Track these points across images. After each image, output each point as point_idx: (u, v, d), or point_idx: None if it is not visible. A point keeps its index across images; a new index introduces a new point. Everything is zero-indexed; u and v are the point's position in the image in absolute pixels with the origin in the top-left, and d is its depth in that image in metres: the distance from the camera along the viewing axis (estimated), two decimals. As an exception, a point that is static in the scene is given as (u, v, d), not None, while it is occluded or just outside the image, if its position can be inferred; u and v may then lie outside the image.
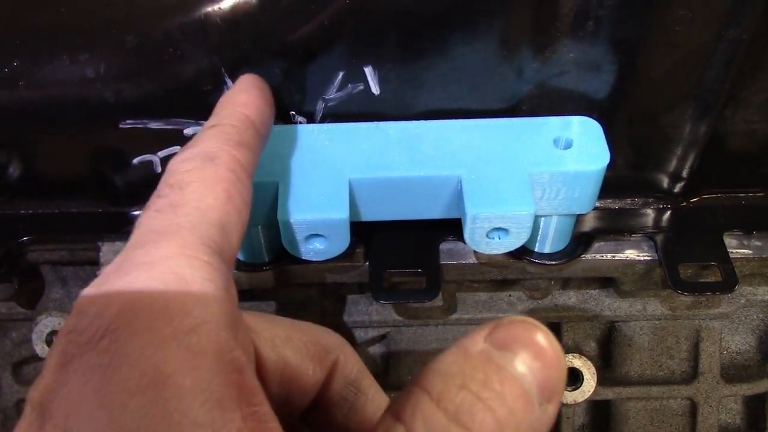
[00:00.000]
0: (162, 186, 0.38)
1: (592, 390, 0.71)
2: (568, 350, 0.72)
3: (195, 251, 0.34)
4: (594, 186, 0.53)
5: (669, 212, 0.61)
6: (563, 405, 0.73)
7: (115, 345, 0.29)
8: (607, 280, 0.69)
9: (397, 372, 0.74)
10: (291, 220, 0.49)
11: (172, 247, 0.33)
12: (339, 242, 0.51)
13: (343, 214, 0.49)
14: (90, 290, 0.32)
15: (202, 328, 0.30)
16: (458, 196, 0.51)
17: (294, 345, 0.40)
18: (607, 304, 0.71)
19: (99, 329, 0.30)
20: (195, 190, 0.37)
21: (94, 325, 0.30)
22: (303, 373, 0.40)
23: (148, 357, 0.29)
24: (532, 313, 0.71)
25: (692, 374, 0.74)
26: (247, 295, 0.67)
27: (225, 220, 0.36)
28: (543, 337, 0.31)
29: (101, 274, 0.33)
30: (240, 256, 0.58)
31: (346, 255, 0.58)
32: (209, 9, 0.50)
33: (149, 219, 0.35)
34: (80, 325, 0.30)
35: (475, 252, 0.59)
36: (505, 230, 0.51)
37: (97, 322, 0.30)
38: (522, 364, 0.31)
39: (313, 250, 0.51)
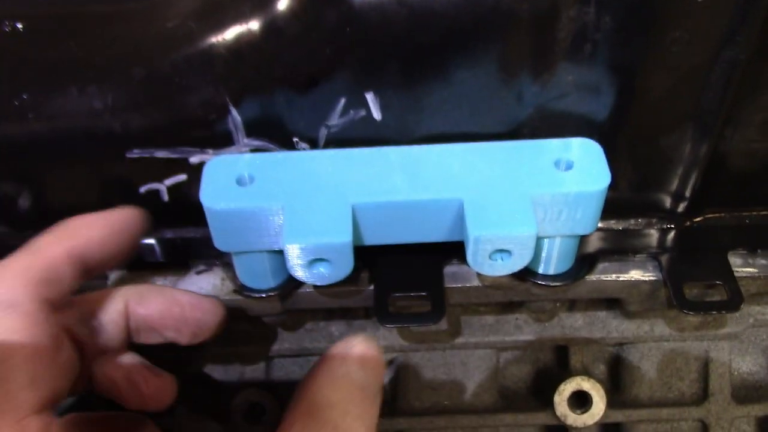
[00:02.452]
0: None
1: (601, 413, 0.71)
2: (576, 373, 0.72)
3: None
4: (596, 207, 0.53)
5: (673, 232, 0.61)
6: (572, 428, 0.72)
7: None
8: (613, 302, 0.69)
9: (406, 398, 0.74)
10: (295, 245, 0.49)
11: None
12: (343, 266, 0.51)
13: (346, 238, 0.49)
14: None
15: None
16: (460, 219, 0.52)
17: None
18: (615, 326, 0.71)
19: None
20: None
21: None
22: None
23: None
24: (538, 335, 0.71)
25: (702, 396, 0.73)
26: (257, 321, 0.67)
27: None
28: None
29: None
30: (246, 282, 0.59)
31: (351, 279, 0.59)
32: (214, 40, 0.51)
33: None
34: None
35: (479, 275, 0.60)
36: (507, 252, 0.51)
37: None
38: None
39: (318, 274, 0.52)
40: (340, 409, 0.41)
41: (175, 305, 0.52)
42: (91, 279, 0.50)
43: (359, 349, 0.45)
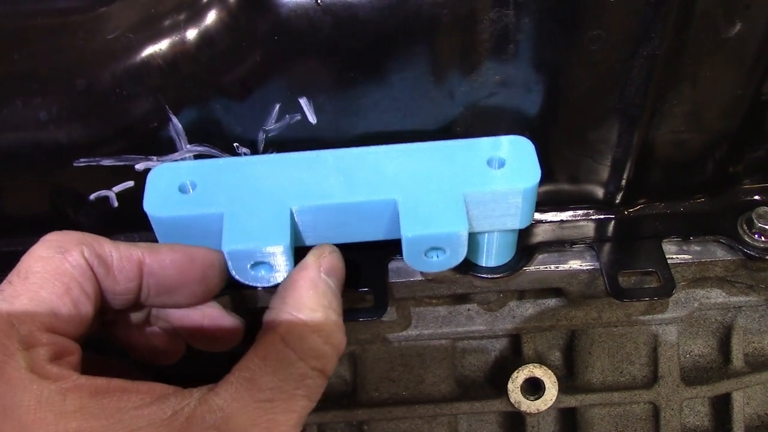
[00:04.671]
0: None
1: (554, 398, 0.73)
2: (529, 360, 0.74)
3: None
4: (528, 202, 0.55)
5: (609, 222, 0.63)
6: (527, 414, 0.74)
7: None
8: (561, 291, 0.71)
9: (365, 390, 0.76)
10: (235, 250, 0.51)
11: None
12: (283, 269, 0.53)
13: (284, 241, 0.51)
14: None
15: None
16: (396, 218, 0.54)
17: None
18: (563, 314, 0.73)
19: None
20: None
21: None
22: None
23: None
24: (490, 325, 0.73)
25: (653, 378, 0.76)
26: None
27: None
28: None
29: None
30: (197, 284, 0.61)
31: (298, 278, 0.61)
32: (151, 51, 0.52)
33: None
34: None
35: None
36: (442, 249, 0.53)
37: None
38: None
39: (259, 277, 0.53)
40: (322, 309, 0.48)
41: (189, 257, 0.51)
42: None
43: (328, 260, 0.50)
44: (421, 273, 0.62)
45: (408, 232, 0.52)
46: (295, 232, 0.54)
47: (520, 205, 0.55)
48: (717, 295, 0.73)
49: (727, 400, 0.78)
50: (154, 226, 0.54)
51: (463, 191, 0.53)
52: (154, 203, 0.53)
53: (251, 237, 0.51)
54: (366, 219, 0.54)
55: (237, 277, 0.54)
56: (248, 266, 0.52)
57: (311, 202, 0.53)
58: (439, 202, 0.53)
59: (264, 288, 0.61)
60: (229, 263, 0.52)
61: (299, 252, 0.54)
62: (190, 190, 0.54)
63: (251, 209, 0.53)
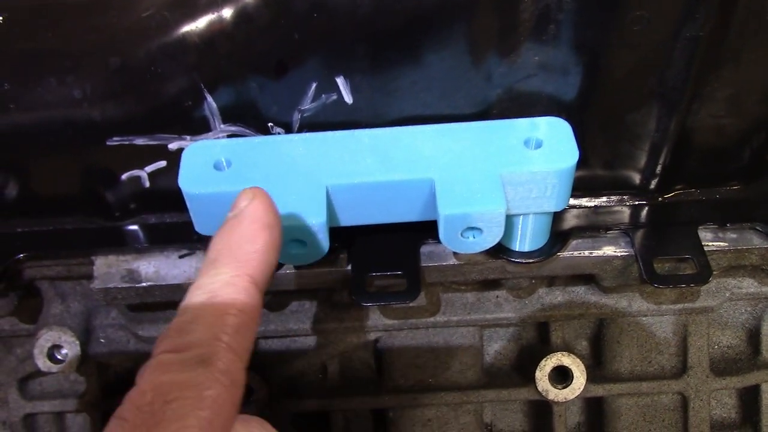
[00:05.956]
0: (137, 396, 0.36)
1: (582, 387, 0.72)
2: (557, 348, 0.74)
3: None
4: (565, 184, 0.54)
5: (644, 208, 0.63)
6: (554, 403, 0.74)
7: None
8: (591, 278, 0.70)
9: (391, 376, 0.75)
10: None
11: None
12: (318, 247, 0.53)
13: (320, 219, 0.51)
14: None
15: None
16: (432, 199, 0.53)
17: None
18: (593, 302, 0.72)
19: None
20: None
21: None
22: None
23: None
24: (519, 313, 0.72)
25: (682, 369, 0.75)
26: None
27: None
28: None
29: None
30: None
31: (330, 260, 0.60)
32: (187, 29, 0.52)
33: None
34: None
35: (454, 253, 0.61)
36: (478, 229, 0.53)
37: None
38: None
39: (294, 254, 0.53)
40: None
41: None
42: None
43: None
44: (455, 257, 0.61)
45: (445, 210, 0.51)
46: (331, 211, 0.53)
47: (557, 186, 0.54)
48: (749, 285, 0.72)
49: (755, 391, 0.77)
50: (188, 203, 0.54)
51: (500, 171, 0.53)
52: (189, 180, 0.53)
53: (287, 214, 0.51)
54: (402, 198, 0.54)
55: None
56: (283, 244, 0.52)
57: (347, 180, 0.53)
58: (476, 182, 0.52)
59: (298, 267, 0.61)
60: None
61: (335, 232, 0.54)
62: (225, 168, 0.54)
63: (287, 187, 0.52)
